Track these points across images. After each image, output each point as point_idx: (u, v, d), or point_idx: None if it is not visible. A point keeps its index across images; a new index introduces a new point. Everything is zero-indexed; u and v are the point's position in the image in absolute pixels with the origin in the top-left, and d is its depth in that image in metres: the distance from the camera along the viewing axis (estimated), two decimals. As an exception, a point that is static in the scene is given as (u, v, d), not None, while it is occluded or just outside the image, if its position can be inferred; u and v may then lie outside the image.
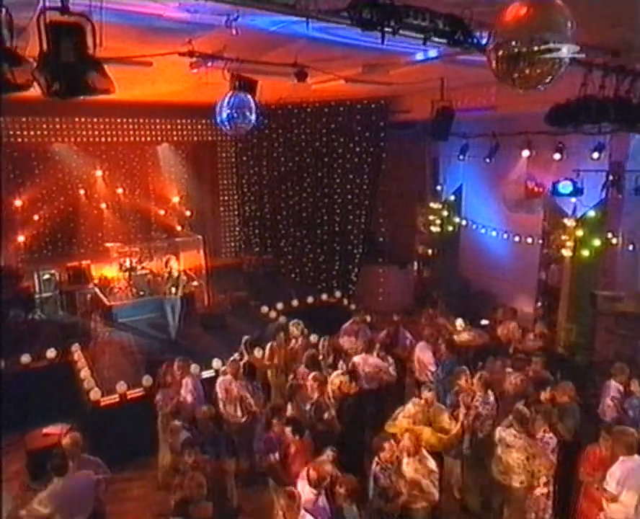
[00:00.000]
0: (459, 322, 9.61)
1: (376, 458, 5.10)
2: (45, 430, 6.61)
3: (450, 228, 12.06)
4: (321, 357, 7.12)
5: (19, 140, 10.84)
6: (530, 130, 9.66)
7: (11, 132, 10.71)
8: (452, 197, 12.10)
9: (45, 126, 11.03)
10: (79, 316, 9.89)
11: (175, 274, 9.30)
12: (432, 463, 5.17)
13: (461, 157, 11.31)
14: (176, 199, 14.51)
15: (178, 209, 14.45)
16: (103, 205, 13.99)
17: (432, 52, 5.86)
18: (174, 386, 6.44)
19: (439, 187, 12.32)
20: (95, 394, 6.93)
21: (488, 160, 10.66)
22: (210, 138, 13.17)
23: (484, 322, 10.30)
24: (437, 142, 12.35)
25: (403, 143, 12.32)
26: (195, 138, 13.00)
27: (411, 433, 5.29)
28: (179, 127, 12.65)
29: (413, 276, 13.23)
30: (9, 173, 11.87)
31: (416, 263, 13.35)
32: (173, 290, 9.26)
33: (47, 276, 10.08)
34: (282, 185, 12.79)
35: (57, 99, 3.06)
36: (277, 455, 5.37)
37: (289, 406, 6.13)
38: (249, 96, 4.67)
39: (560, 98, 5.38)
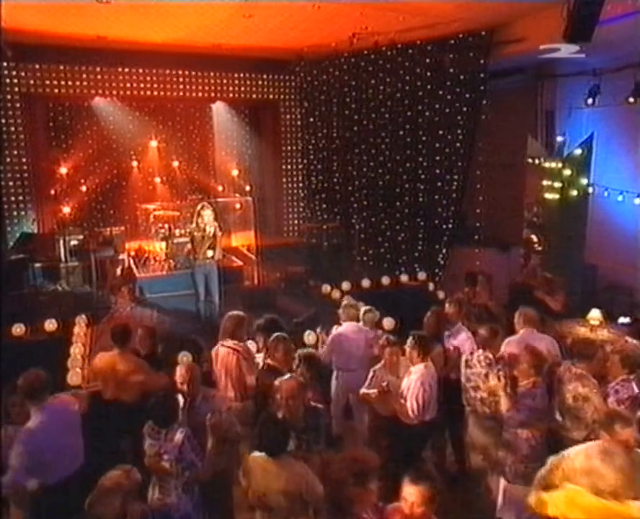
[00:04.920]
0: (594, 314, 7.06)
1: None
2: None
3: (575, 194, 9.11)
4: None
5: (55, 90, 9.60)
6: None
7: (47, 83, 9.51)
8: (579, 152, 9.16)
9: (84, 76, 9.73)
10: (105, 288, 8.27)
11: (210, 230, 7.03)
12: None
13: (589, 102, 8.58)
14: (235, 172, 12.81)
15: (237, 183, 12.74)
16: (157, 180, 12.74)
17: None
18: None
19: (559, 138, 9.45)
20: (75, 377, 5.04)
21: (632, 100, 7.93)
22: (271, 97, 11.31)
23: (623, 320, 7.76)
24: (555, 88, 9.79)
25: (507, 95, 9.73)
26: (254, 96, 11.19)
27: None
28: (236, 82, 10.90)
29: (518, 262, 10.42)
30: (44, 130, 10.69)
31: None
32: (210, 253, 6.98)
33: (74, 242, 8.57)
34: (355, 149, 10.50)
35: None
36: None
37: None
38: None
39: None
